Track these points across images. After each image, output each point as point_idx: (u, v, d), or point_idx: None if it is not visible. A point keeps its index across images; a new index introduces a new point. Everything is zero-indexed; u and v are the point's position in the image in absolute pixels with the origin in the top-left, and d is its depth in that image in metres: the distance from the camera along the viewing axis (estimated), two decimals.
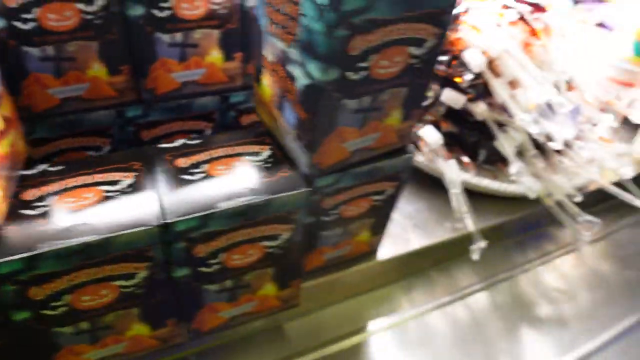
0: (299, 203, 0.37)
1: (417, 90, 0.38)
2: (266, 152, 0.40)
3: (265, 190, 0.36)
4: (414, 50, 0.34)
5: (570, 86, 0.65)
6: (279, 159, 0.39)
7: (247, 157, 0.39)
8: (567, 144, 0.57)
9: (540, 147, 0.58)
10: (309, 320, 0.51)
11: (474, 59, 0.55)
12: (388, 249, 0.53)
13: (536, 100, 0.52)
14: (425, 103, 0.59)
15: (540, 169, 0.58)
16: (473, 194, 0.59)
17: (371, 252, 0.53)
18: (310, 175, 0.38)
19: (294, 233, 0.39)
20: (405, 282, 0.57)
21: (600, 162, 0.63)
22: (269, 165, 0.39)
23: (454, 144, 0.61)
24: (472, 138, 0.60)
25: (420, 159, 0.60)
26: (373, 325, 0.52)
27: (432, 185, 0.61)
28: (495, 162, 0.61)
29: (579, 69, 0.67)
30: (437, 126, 0.59)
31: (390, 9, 0.30)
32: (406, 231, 0.56)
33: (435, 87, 0.58)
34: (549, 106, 0.54)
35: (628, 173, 0.60)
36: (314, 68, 0.31)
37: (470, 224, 0.55)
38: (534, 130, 0.52)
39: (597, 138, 0.63)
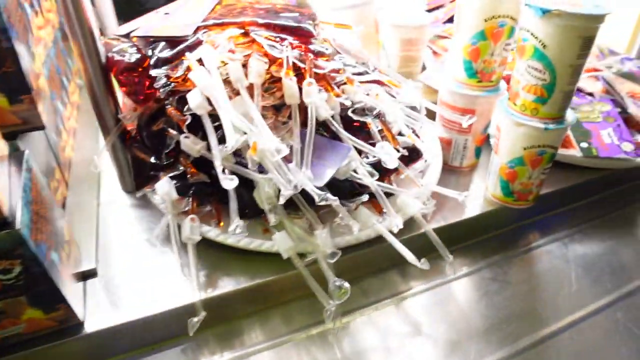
0: None
1: None
2: None
3: None
4: None
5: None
6: None
7: None
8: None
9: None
10: None
11: (192, 100, 0.47)
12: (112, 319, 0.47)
13: (232, 146, 0.43)
14: (166, 150, 0.52)
15: (289, 224, 0.48)
16: None
17: (71, 326, 0.46)
18: None
19: None
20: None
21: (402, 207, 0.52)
22: None
23: (214, 194, 0.53)
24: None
25: None
26: None
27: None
28: (259, 215, 0.52)
29: (387, 102, 0.56)
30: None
31: None
32: (137, 296, 0.49)
33: (173, 132, 0.51)
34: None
35: (398, 224, 0.48)
36: None
37: (195, 292, 0.47)
38: (227, 185, 0.43)
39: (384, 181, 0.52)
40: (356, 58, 0.58)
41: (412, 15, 0.70)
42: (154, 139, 0.53)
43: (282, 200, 0.44)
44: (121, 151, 0.59)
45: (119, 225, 0.58)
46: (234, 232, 0.45)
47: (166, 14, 0.56)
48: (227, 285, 0.49)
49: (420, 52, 0.72)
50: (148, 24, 0.54)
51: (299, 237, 0.48)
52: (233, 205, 0.47)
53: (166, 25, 0.53)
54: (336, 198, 0.46)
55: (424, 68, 0.76)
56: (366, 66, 0.59)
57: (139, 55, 0.53)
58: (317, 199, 0.45)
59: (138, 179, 0.55)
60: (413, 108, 0.59)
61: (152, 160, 0.53)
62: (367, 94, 0.55)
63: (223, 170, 0.46)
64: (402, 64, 0.72)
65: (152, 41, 0.52)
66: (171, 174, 0.52)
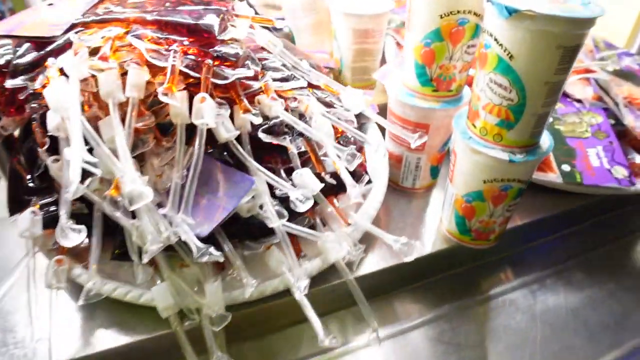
0: None
1: None
2: None
3: None
4: None
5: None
6: None
7: None
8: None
9: None
10: None
11: (51, 120, 0.38)
12: None
13: (72, 192, 0.33)
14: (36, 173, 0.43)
15: (170, 276, 0.39)
16: None
17: None
18: None
19: None
20: None
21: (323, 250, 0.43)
22: None
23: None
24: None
25: None
26: None
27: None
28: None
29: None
30: None
31: None
32: None
33: (42, 153, 0.41)
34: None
35: (300, 287, 0.39)
36: None
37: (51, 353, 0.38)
38: (67, 241, 0.34)
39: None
40: (281, 60, 0.47)
41: (368, 2, 0.58)
42: (28, 157, 0.44)
43: (145, 259, 0.35)
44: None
45: (3, 253, 0.50)
46: (90, 291, 0.36)
47: (50, 4, 0.46)
48: (100, 342, 0.41)
49: (377, 44, 0.60)
50: (21, 18, 0.44)
51: (180, 293, 0.39)
52: (95, 253, 0.37)
53: (37, 21, 0.42)
54: (220, 253, 0.36)
55: (384, 61, 0.64)
56: (297, 69, 0.48)
57: (10, 57, 0.43)
58: (195, 253, 0.36)
59: (13, 203, 0.46)
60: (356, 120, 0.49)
61: (28, 182, 0.44)
62: (288, 108, 0.44)
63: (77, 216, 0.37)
64: (356, 57, 0.60)
65: (21, 42, 0.42)
66: (43, 202, 0.43)
